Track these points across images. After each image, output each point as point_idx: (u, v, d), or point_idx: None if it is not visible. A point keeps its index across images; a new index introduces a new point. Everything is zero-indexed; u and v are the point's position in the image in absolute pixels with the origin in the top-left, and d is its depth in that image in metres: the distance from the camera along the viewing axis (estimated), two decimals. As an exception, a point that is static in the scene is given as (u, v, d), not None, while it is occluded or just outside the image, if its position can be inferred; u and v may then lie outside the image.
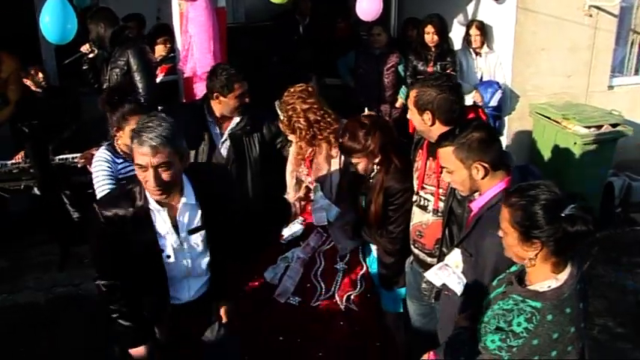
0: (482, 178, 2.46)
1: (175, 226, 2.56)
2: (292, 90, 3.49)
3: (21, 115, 5.18)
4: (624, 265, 5.01)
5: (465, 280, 2.61)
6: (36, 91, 5.18)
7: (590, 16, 5.98)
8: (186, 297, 2.75)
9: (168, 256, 2.60)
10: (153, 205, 2.51)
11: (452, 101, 2.80)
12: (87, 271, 4.67)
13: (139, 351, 2.71)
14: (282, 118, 3.51)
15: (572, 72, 6.13)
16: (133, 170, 2.51)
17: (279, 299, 3.33)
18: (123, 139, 3.26)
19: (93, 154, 3.60)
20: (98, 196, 3.29)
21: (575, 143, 5.38)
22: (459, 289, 2.62)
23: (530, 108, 5.97)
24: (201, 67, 4.31)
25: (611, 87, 6.47)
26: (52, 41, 3.84)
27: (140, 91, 4.46)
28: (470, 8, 6.23)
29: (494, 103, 5.70)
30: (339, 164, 3.43)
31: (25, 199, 5.06)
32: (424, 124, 2.85)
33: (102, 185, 3.28)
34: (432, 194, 2.95)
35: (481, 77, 5.90)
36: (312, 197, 3.50)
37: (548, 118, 5.70)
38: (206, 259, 2.69)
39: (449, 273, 2.66)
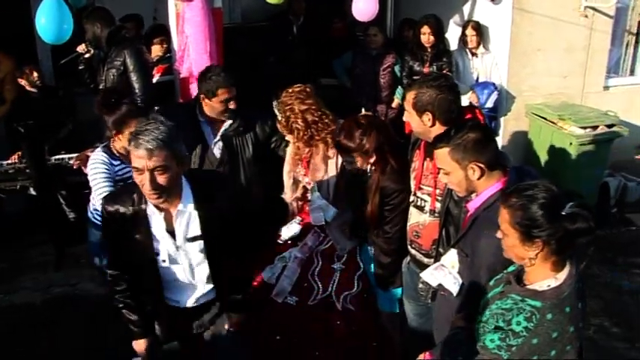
0: (479, 179, 2.46)
1: (172, 232, 2.56)
2: (290, 90, 3.48)
3: (16, 114, 5.16)
4: (620, 265, 5.04)
5: (460, 281, 2.61)
6: (31, 90, 5.17)
7: (586, 16, 6.00)
8: (187, 303, 2.76)
9: (164, 261, 2.61)
10: (150, 208, 2.52)
11: (451, 101, 2.79)
12: (83, 271, 4.68)
13: (140, 344, 2.75)
14: (279, 118, 3.51)
15: (567, 72, 6.15)
16: (130, 172, 2.51)
17: (276, 299, 3.33)
18: (122, 142, 3.26)
19: (88, 156, 3.60)
20: (97, 199, 3.30)
21: (570, 144, 5.40)
22: (454, 289, 2.63)
23: (526, 108, 5.99)
24: (197, 68, 4.30)
25: (606, 88, 6.50)
26: (48, 41, 3.84)
27: (136, 91, 4.46)
28: (466, 9, 6.25)
29: (490, 104, 5.71)
30: (336, 165, 3.43)
31: (21, 200, 5.04)
32: (423, 126, 2.83)
33: (100, 187, 3.29)
34: (429, 195, 2.95)
35: (477, 78, 5.91)
36: (309, 197, 3.50)
37: (544, 118, 5.72)
38: (206, 269, 2.68)
39: (445, 273, 2.67)
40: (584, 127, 5.42)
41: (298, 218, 3.52)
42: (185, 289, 2.73)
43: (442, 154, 2.51)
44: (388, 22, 7.09)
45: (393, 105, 5.97)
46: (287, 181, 3.60)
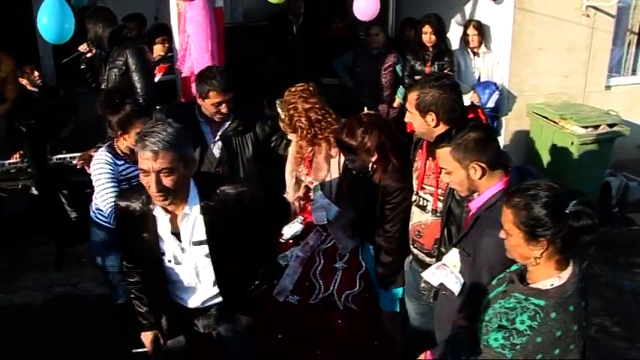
0: (480, 178, 2.46)
1: (178, 234, 2.56)
2: (294, 89, 3.47)
3: (18, 114, 5.17)
4: (621, 264, 5.03)
5: (462, 280, 2.61)
6: (32, 90, 5.17)
7: (588, 16, 6.00)
8: (193, 303, 2.76)
9: (169, 261, 2.62)
10: (157, 209, 2.52)
11: (454, 100, 2.79)
12: (84, 271, 4.68)
13: (147, 336, 2.81)
14: (283, 117, 3.50)
15: (569, 72, 6.15)
16: (135, 171, 2.53)
17: (277, 298, 3.33)
18: (128, 142, 3.26)
19: (91, 156, 3.59)
20: (99, 199, 3.31)
21: (572, 143, 5.40)
22: (456, 288, 2.63)
23: (528, 108, 5.99)
24: (198, 67, 4.30)
25: (608, 87, 6.49)
26: (49, 41, 3.83)
27: (138, 91, 4.46)
28: (467, 8, 6.24)
29: (491, 104, 5.70)
30: (339, 164, 3.43)
31: (23, 199, 5.04)
32: (427, 126, 2.82)
33: (104, 188, 3.28)
34: (431, 194, 2.95)
35: (479, 77, 5.91)
36: (311, 197, 3.50)
37: (546, 118, 5.72)
38: (211, 273, 2.67)
39: (446, 273, 2.67)
40: (586, 127, 5.42)
41: (300, 217, 3.53)
42: (191, 290, 2.73)
43: (443, 153, 2.51)
44: (390, 21, 7.08)
45: (395, 104, 5.97)
46: (289, 180, 3.60)
